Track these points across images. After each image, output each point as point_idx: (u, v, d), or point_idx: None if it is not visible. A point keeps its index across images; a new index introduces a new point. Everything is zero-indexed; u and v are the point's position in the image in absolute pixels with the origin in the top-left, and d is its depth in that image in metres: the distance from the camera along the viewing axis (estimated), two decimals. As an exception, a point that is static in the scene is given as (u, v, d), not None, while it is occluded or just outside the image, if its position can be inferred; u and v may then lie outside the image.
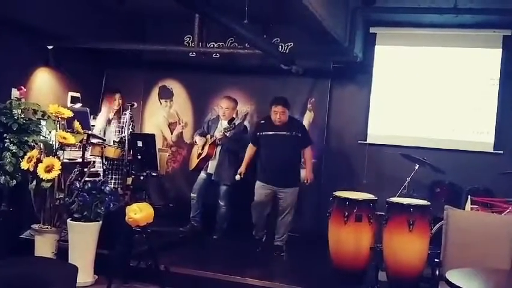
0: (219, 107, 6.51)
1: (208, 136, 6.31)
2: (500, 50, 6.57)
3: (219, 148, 6.22)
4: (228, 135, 6.08)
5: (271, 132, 5.74)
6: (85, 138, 5.79)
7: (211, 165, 6.27)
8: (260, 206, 5.79)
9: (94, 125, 6.49)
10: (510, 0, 5.54)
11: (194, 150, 6.55)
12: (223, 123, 6.25)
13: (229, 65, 7.30)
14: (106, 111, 6.36)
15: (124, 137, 6.02)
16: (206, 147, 6.25)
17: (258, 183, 5.80)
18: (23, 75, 6.37)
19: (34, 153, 4.67)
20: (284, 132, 5.70)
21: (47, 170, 4.49)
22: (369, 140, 6.96)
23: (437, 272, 3.92)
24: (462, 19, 6.26)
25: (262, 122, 5.94)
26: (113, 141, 6.23)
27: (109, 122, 6.37)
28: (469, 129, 6.68)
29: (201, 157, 6.28)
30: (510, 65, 6.52)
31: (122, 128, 6.23)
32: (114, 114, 6.32)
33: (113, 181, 6.24)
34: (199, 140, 6.39)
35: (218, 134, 6.13)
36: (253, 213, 5.84)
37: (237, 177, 5.87)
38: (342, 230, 4.86)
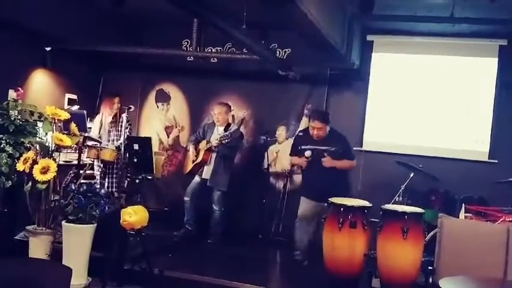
0: (212, 113, 6.50)
1: (204, 142, 6.30)
2: (496, 59, 6.62)
3: (214, 154, 6.21)
4: (224, 143, 6.05)
5: (310, 147, 5.47)
6: (81, 140, 5.78)
7: (206, 171, 6.25)
8: (304, 221, 5.55)
9: (90, 128, 6.49)
10: (506, 10, 5.58)
11: (190, 154, 6.54)
12: (219, 129, 6.24)
13: (226, 69, 7.32)
14: (104, 114, 6.36)
15: (122, 143, 6.02)
16: (201, 153, 6.25)
17: (302, 199, 5.59)
18: (21, 77, 6.37)
19: (30, 154, 4.65)
20: (324, 147, 5.44)
21: (42, 172, 4.47)
22: (364, 147, 6.97)
23: (431, 280, 3.95)
24: (459, 28, 6.30)
25: (301, 134, 5.71)
26: (112, 143, 6.24)
27: (107, 125, 6.36)
28: (464, 138, 6.72)
29: (195, 162, 6.28)
30: (506, 75, 6.56)
31: (120, 131, 6.23)
32: (112, 118, 6.32)
33: (108, 183, 6.23)
34: (192, 151, 6.34)
35: (215, 141, 6.08)
36: (296, 230, 5.59)
37: (308, 153, 5.42)
38: (337, 236, 4.86)
